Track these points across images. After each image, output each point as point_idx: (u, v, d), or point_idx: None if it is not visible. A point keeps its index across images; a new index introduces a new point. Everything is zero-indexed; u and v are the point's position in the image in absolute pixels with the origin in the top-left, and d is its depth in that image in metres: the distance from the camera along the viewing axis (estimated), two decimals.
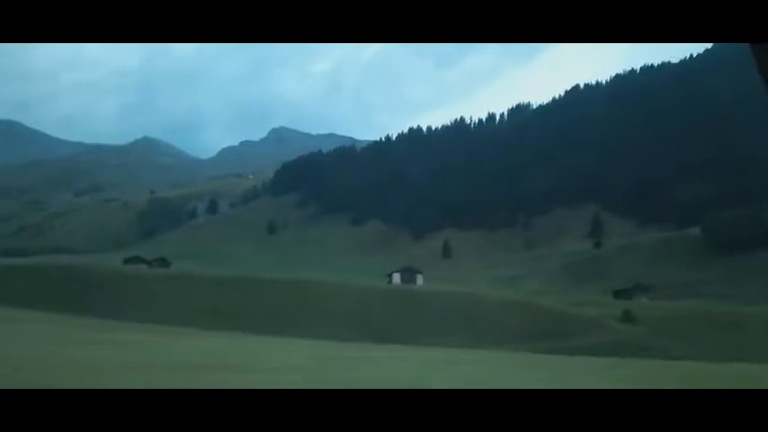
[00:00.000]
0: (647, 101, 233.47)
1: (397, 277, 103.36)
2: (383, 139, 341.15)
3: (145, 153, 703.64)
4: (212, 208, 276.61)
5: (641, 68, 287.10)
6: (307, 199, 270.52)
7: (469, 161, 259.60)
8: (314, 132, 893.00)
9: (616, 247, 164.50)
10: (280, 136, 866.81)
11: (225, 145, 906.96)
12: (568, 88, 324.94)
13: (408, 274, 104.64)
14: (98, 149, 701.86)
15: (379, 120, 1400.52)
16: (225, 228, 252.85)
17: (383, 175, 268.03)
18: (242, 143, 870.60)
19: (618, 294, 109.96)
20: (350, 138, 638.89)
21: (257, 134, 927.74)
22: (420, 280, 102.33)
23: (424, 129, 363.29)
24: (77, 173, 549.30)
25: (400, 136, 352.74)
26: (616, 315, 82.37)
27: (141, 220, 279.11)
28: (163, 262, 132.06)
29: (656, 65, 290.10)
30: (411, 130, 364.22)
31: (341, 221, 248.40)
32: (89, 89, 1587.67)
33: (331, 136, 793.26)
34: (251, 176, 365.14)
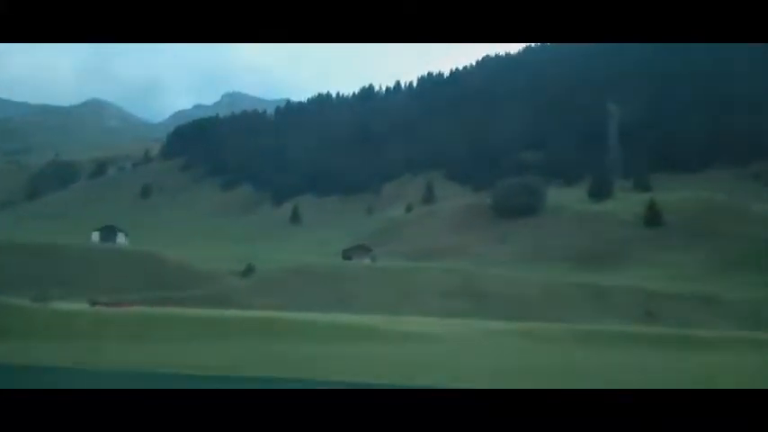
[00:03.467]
0: (506, 77, 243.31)
1: (95, 236, 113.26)
2: (286, 105, 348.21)
3: (90, 115, 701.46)
4: (100, 171, 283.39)
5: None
6: (191, 163, 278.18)
7: (348, 129, 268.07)
8: (269, 98, 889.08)
9: (422, 213, 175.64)
10: (233, 100, 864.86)
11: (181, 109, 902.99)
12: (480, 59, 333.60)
13: (108, 232, 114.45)
14: (42, 111, 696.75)
15: (340, 85, 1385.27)
16: (104, 191, 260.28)
17: (268, 141, 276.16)
18: (195, 107, 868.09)
19: (344, 254, 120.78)
20: (302, 102, 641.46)
21: (217, 99, 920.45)
22: (121, 238, 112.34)
23: (334, 95, 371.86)
24: (11, 133, 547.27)
25: (311, 100, 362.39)
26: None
27: (32, 181, 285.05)
28: None
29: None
30: (320, 95, 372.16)
31: (214, 186, 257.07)
32: (45, 48, 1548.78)
33: (283, 101, 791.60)
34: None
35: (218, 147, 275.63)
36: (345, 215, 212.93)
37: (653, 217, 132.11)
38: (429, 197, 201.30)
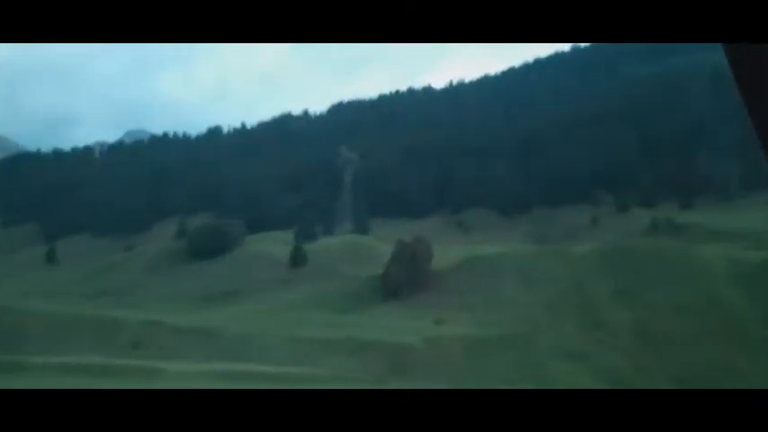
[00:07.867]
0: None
1: None
2: (118, 143, 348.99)
3: None
4: None
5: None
6: None
7: (154, 168, 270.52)
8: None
9: (137, 252, 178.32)
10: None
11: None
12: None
13: None
14: None
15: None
16: None
17: (74, 179, 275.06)
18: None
19: None
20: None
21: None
22: None
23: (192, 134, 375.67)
24: None
25: (155, 138, 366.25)
26: None
27: None
28: None
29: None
30: (165, 134, 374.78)
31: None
32: None
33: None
34: None
35: (20, 183, 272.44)
36: (103, 255, 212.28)
37: (296, 259, 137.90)
38: (181, 237, 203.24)
